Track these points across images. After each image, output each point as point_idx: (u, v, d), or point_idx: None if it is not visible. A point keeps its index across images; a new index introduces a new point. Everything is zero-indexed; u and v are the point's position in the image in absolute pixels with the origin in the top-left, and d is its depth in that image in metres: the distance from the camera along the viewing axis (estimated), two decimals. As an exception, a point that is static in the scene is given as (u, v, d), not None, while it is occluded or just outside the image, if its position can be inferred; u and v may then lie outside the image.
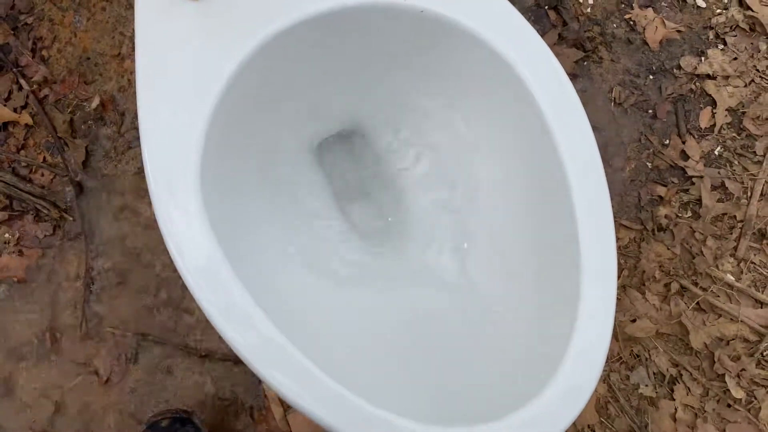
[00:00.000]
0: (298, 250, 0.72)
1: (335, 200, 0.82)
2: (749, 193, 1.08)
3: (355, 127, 0.84)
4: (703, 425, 0.98)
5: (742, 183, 1.08)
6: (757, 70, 1.14)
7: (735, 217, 1.07)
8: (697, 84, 1.13)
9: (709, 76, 1.14)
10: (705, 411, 0.98)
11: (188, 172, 0.55)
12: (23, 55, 1.09)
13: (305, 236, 0.76)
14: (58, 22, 1.11)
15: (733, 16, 1.16)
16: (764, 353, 1.00)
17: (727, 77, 1.13)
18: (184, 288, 1.02)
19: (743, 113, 1.12)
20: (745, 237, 1.05)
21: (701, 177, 1.08)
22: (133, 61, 1.10)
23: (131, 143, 1.07)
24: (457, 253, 0.75)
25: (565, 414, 0.52)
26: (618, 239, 1.05)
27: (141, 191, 1.05)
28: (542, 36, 0.62)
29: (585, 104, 0.60)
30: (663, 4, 1.17)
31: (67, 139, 1.06)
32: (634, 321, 1.02)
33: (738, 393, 0.98)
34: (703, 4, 1.17)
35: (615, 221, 0.60)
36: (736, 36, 1.16)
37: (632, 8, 1.16)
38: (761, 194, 1.07)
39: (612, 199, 0.59)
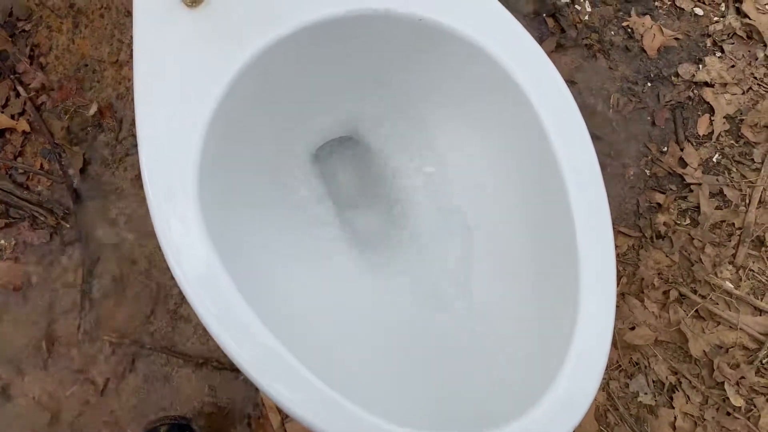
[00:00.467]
0: (297, 257, 0.72)
1: (334, 207, 0.82)
2: (747, 201, 1.08)
3: (353, 133, 0.84)
4: (703, 433, 0.97)
5: (741, 190, 1.08)
6: (755, 78, 1.14)
7: (733, 224, 1.07)
8: (695, 91, 1.14)
9: (706, 84, 1.14)
10: (704, 419, 0.98)
11: (186, 179, 0.55)
12: (21, 61, 1.09)
13: (304, 243, 0.76)
14: (56, 29, 1.11)
15: (730, 23, 1.16)
16: (763, 361, 1.00)
17: (724, 85, 1.14)
18: (181, 296, 1.01)
19: (741, 121, 1.12)
20: (743, 244, 1.05)
21: (699, 184, 1.08)
22: (131, 68, 1.10)
23: (129, 150, 1.07)
24: (457, 259, 0.75)
25: (565, 422, 0.52)
26: (616, 246, 1.05)
27: (138, 198, 1.05)
28: (540, 43, 0.62)
29: (583, 111, 0.60)
30: (660, 11, 1.18)
31: (65, 146, 1.06)
32: (633, 329, 1.02)
33: (737, 401, 0.98)
34: (701, 12, 1.18)
35: (613, 228, 0.60)
36: (733, 44, 1.16)
37: (630, 16, 1.17)
38: (759, 201, 1.07)
39: (610, 206, 0.59)
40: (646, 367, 1.01)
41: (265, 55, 0.59)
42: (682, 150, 1.10)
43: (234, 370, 0.98)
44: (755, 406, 0.98)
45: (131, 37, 1.10)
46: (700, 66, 1.15)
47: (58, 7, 1.11)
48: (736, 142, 1.11)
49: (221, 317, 0.52)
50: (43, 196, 1.05)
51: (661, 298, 1.04)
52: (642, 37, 1.16)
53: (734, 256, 1.05)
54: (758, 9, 1.17)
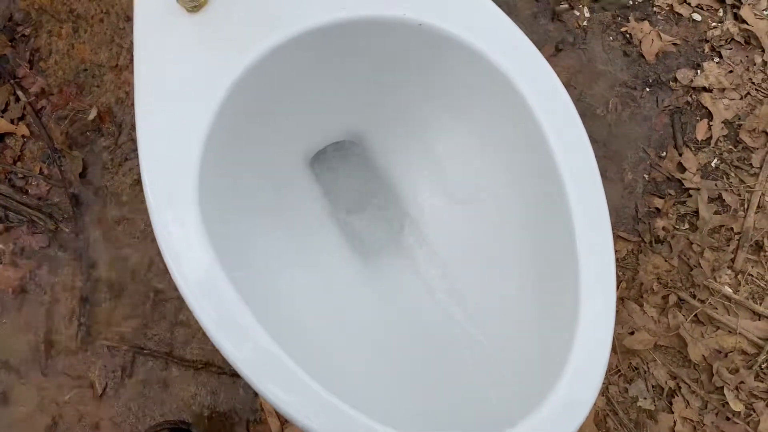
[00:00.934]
0: (296, 261, 0.72)
1: (334, 211, 0.82)
2: (746, 206, 1.08)
3: (353, 138, 0.84)
4: (702, 438, 0.97)
5: (739, 195, 1.09)
6: (753, 83, 1.14)
7: (732, 229, 1.07)
8: (694, 96, 1.14)
9: (705, 89, 1.14)
10: (704, 424, 0.98)
11: (186, 183, 0.55)
12: (21, 66, 1.09)
13: (303, 247, 0.76)
14: (56, 34, 1.11)
15: (728, 29, 1.17)
16: (763, 366, 1.00)
17: (723, 90, 1.14)
18: (179, 300, 1.01)
19: (739, 126, 1.12)
20: (742, 249, 1.05)
21: (698, 189, 1.08)
22: (130, 72, 1.10)
23: (128, 155, 1.07)
24: (456, 264, 0.75)
25: (565, 427, 0.52)
26: (616, 251, 1.05)
27: (137, 203, 1.05)
28: (539, 48, 0.62)
29: (581, 116, 0.60)
30: (659, 17, 1.18)
31: (64, 150, 1.06)
32: (632, 333, 1.02)
33: (737, 406, 0.98)
34: (699, 18, 1.18)
35: (612, 233, 0.60)
36: (731, 49, 1.16)
37: (628, 21, 1.17)
38: (758, 206, 1.08)
39: (609, 210, 0.59)
40: (645, 371, 1.01)
41: (265, 60, 0.59)
42: (680, 155, 1.10)
43: (233, 374, 0.98)
44: (755, 411, 0.98)
45: (131, 42, 1.11)
46: (699, 71, 1.15)
47: (58, 12, 1.12)
48: (735, 147, 1.11)
49: (220, 321, 0.52)
50: (42, 201, 1.05)
51: (660, 303, 1.04)
52: (640, 42, 1.16)
53: (733, 260, 1.05)
54: (756, 15, 1.17)
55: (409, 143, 0.79)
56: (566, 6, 1.17)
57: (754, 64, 1.15)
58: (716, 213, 1.08)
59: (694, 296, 1.04)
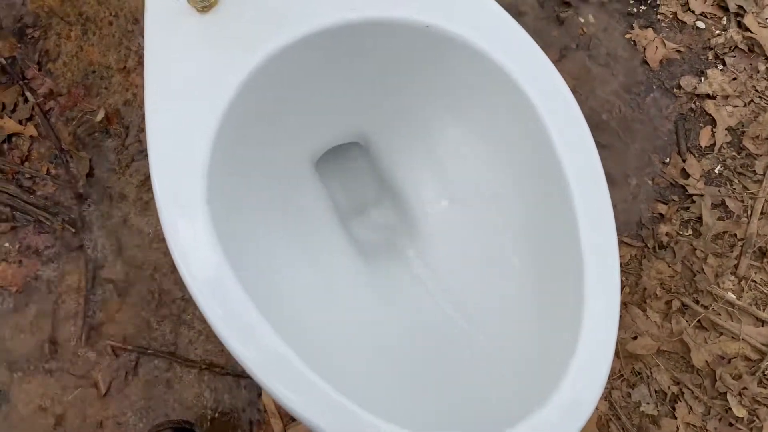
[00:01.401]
0: (302, 261, 0.72)
1: (339, 212, 0.83)
2: (749, 212, 1.08)
3: (358, 139, 0.84)
4: (705, 444, 0.97)
5: (743, 201, 1.09)
6: (756, 90, 1.15)
7: (735, 235, 1.07)
8: (697, 103, 1.15)
9: (708, 96, 1.15)
10: (707, 430, 0.98)
11: (195, 183, 0.55)
12: (30, 67, 1.10)
13: (306, 247, 0.76)
14: (65, 36, 1.12)
15: (732, 37, 1.17)
16: (766, 372, 1.00)
17: (726, 97, 1.14)
18: (184, 301, 1.01)
19: (743, 133, 1.12)
20: (745, 255, 1.05)
21: (702, 195, 1.09)
22: (138, 75, 1.11)
23: (135, 156, 1.08)
24: (459, 265, 0.75)
25: (568, 427, 0.52)
26: (619, 256, 1.05)
27: (144, 204, 1.06)
28: (545, 51, 0.62)
29: (587, 121, 0.61)
30: (663, 24, 1.19)
31: (72, 151, 1.07)
32: (635, 338, 1.02)
33: (740, 412, 0.98)
34: (703, 26, 1.19)
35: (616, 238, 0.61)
36: (735, 56, 1.17)
37: (632, 28, 1.18)
38: (761, 213, 1.08)
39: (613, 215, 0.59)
40: (648, 376, 1.01)
41: (273, 61, 0.59)
42: (684, 161, 1.11)
43: (236, 375, 0.98)
44: (758, 417, 0.98)
45: (139, 44, 1.12)
46: (702, 78, 1.15)
47: (67, 15, 1.13)
48: (738, 153, 1.12)
49: (228, 319, 0.52)
50: (48, 201, 1.05)
51: (663, 308, 1.04)
52: (645, 49, 1.17)
53: (736, 266, 1.05)
54: (759, 23, 1.18)
55: (412, 144, 0.79)
56: (571, 12, 1.18)
57: (758, 72, 1.16)
58: (720, 219, 1.08)
59: (697, 302, 1.04)
